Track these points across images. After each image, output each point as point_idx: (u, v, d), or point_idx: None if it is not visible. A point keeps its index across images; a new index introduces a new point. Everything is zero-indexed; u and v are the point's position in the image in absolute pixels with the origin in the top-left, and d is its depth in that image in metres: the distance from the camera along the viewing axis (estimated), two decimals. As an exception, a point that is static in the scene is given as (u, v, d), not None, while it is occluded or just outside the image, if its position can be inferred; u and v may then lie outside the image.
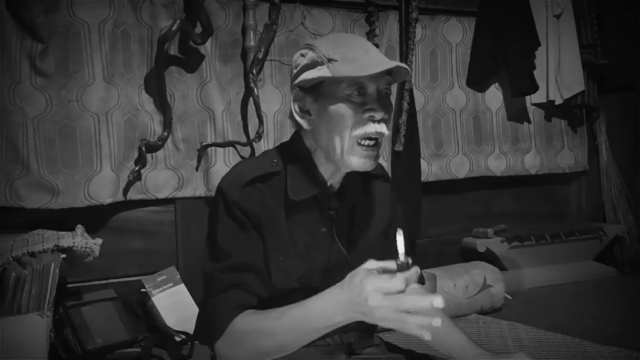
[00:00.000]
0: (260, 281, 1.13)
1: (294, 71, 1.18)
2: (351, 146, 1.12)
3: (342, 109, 1.12)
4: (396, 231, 1.03)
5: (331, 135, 1.13)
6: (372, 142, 1.13)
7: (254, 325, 1.07)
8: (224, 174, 1.21)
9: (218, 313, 1.10)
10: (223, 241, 1.14)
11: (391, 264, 0.97)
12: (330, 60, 1.12)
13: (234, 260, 1.12)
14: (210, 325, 1.12)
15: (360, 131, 1.11)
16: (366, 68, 1.09)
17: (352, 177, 1.23)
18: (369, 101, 1.12)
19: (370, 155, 1.14)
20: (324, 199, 1.20)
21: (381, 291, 0.93)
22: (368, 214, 1.28)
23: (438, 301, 0.91)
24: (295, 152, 1.20)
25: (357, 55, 1.12)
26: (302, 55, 1.17)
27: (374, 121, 1.12)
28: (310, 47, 1.16)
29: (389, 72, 1.13)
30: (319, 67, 1.13)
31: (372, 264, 0.98)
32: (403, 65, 1.11)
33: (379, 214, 1.31)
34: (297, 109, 1.18)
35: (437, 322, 0.91)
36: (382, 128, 1.12)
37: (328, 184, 1.20)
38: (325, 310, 1.00)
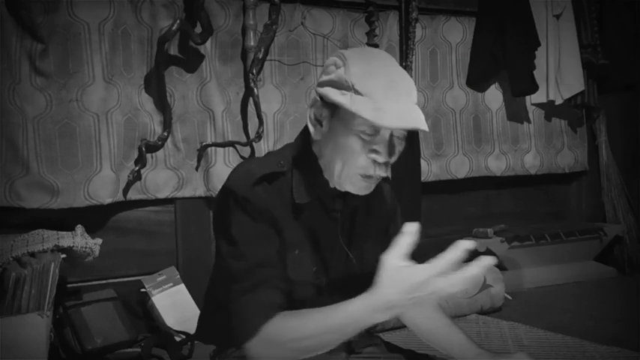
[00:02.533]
0: (281, 279, 1.12)
1: (324, 77, 1.14)
2: (350, 176, 1.12)
3: (350, 142, 1.10)
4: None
5: (334, 159, 1.13)
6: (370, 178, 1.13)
7: (293, 330, 1.06)
8: (225, 174, 1.21)
9: (250, 314, 1.09)
10: (240, 238, 1.13)
11: (402, 243, 0.97)
12: (356, 91, 1.07)
13: (255, 257, 1.11)
14: (242, 326, 1.10)
15: (361, 170, 1.11)
16: (386, 119, 1.05)
17: None
18: (378, 143, 1.09)
19: (367, 187, 1.14)
20: (329, 202, 1.20)
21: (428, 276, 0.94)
22: (369, 214, 1.29)
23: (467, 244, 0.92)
24: (301, 155, 1.20)
25: (386, 96, 1.07)
26: (335, 65, 1.12)
27: (376, 163, 1.10)
28: (344, 62, 1.11)
29: None
30: (343, 92, 1.09)
31: (393, 257, 0.97)
32: (425, 129, 1.07)
33: (379, 213, 1.31)
34: (312, 116, 1.16)
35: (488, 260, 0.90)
36: (382, 172, 1.12)
37: (332, 186, 1.21)
38: (370, 314, 0.99)
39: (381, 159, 1.10)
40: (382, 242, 1.29)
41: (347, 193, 1.22)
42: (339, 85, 1.10)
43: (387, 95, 1.07)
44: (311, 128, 1.16)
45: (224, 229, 1.16)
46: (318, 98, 1.15)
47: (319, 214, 1.19)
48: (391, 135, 1.10)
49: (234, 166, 1.28)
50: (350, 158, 1.10)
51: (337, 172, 1.13)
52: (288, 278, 1.14)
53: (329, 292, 1.19)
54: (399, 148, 1.13)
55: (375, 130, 1.08)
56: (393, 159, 1.12)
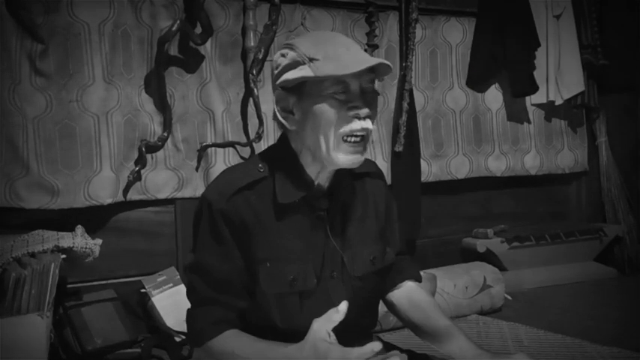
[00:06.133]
0: (236, 298, 1.18)
1: (276, 72, 1.19)
2: (337, 144, 1.13)
3: (326, 107, 1.12)
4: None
5: (316, 134, 1.14)
6: (357, 139, 1.14)
7: (232, 353, 1.13)
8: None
9: (199, 325, 1.18)
10: (202, 256, 1.18)
11: (333, 312, 1.04)
12: (311, 59, 1.12)
13: (213, 276, 1.17)
14: (191, 334, 1.21)
15: (346, 129, 1.13)
16: (348, 66, 1.10)
17: (341, 176, 1.23)
18: (353, 98, 1.13)
19: (357, 151, 1.15)
20: (314, 200, 1.20)
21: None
22: (361, 212, 1.28)
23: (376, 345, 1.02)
24: (281, 155, 1.21)
25: (338, 52, 1.12)
26: (282, 55, 1.17)
27: (359, 118, 1.13)
28: (290, 47, 1.16)
29: (371, 69, 1.13)
30: (301, 67, 1.13)
31: (320, 327, 1.05)
32: (385, 62, 1.12)
33: (373, 211, 1.30)
34: (279, 110, 1.18)
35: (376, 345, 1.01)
36: (367, 124, 1.14)
37: (316, 184, 1.21)
38: None
39: (361, 112, 1.13)
40: (376, 241, 1.29)
41: (333, 191, 1.22)
42: (295, 64, 1.14)
43: (338, 50, 1.12)
44: (285, 122, 1.18)
45: (194, 237, 1.21)
46: (281, 90, 1.18)
47: (305, 215, 1.19)
48: (361, 87, 1.13)
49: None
50: (332, 123, 1.12)
51: (324, 147, 1.14)
52: (262, 292, 1.16)
53: (321, 295, 1.18)
54: (373, 98, 1.16)
55: (345, 86, 1.12)
56: (372, 111, 1.15)
